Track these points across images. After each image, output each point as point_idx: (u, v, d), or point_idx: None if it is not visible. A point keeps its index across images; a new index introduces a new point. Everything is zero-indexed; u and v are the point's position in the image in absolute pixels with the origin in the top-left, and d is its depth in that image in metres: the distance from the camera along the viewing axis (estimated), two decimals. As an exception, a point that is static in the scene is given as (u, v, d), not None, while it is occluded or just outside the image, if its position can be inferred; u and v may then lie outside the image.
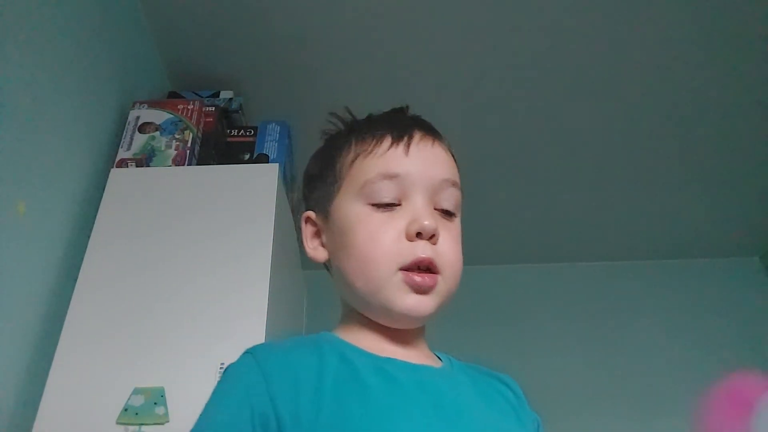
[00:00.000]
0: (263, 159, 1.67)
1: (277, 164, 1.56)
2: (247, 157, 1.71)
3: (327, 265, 0.75)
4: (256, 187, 1.45)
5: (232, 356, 1.15)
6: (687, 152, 2.28)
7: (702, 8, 1.82)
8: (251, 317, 1.23)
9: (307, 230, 0.75)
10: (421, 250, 0.64)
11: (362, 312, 0.68)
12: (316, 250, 0.74)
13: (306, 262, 2.12)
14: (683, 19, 1.85)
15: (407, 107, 0.77)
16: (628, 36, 1.90)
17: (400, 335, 0.68)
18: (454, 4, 1.81)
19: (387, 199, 0.67)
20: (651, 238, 2.67)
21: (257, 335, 1.20)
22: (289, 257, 1.62)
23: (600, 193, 2.45)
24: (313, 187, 0.76)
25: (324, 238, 0.73)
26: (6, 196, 1.17)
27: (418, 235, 0.64)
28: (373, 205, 0.67)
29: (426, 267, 0.64)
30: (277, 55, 1.93)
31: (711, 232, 2.63)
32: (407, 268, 0.64)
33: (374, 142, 0.70)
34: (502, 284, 2.63)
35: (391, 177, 0.67)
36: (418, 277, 0.64)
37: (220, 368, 1.15)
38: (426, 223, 0.64)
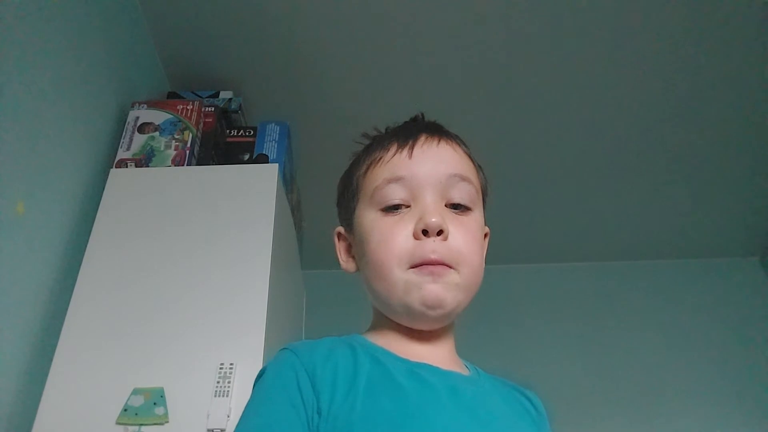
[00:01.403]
0: (263, 159, 1.67)
1: (277, 164, 1.56)
2: (246, 157, 1.71)
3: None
4: (255, 188, 1.45)
5: (231, 356, 1.16)
6: (687, 152, 2.28)
7: (702, 9, 1.82)
8: (251, 317, 1.23)
9: (340, 245, 0.77)
10: (430, 248, 0.65)
11: (389, 316, 0.69)
12: (347, 263, 0.76)
13: (306, 262, 2.13)
14: (683, 20, 1.85)
15: (422, 114, 0.79)
16: (628, 36, 1.90)
17: (429, 339, 0.68)
18: (453, 7, 1.81)
19: (395, 201, 0.68)
20: (651, 238, 2.67)
21: (257, 335, 1.20)
22: (289, 257, 1.62)
23: (599, 193, 2.45)
24: (340, 204, 0.78)
25: (353, 251, 0.75)
26: (5, 196, 1.17)
27: (426, 233, 0.65)
28: (383, 209, 0.69)
29: (438, 262, 0.65)
30: (277, 56, 1.93)
31: (711, 232, 2.64)
32: (418, 265, 0.65)
33: (381, 150, 0.72)
34: (500, 284, 2.63)
35: (396, 180, 0.69)
36: (430, 267, 0.64)
37: (220, 368, 1.15)
38: (432, 220, 0.65)
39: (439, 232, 0.65)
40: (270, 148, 1.72)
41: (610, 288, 2.69)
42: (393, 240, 0.66)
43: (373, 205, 0.70)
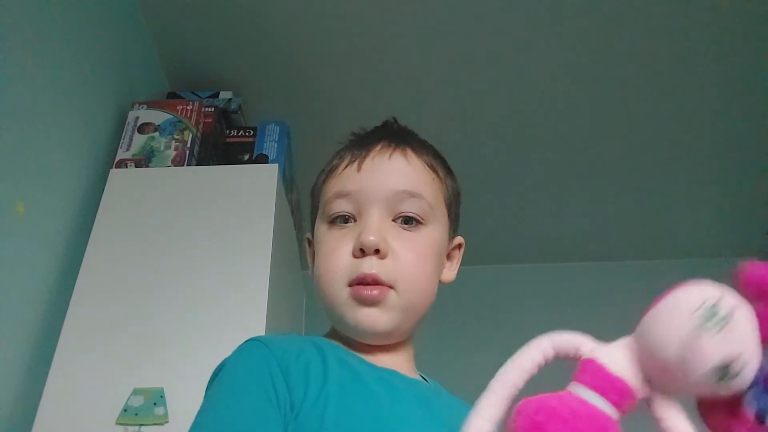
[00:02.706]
0: (263, 159, 1.67)
1: (277, 164, 1.56)
2: (246, 157, 1.71)
3: None
4: (255, 188, 1.45)
5: (231, 356, 1.16)
6: (687, 152, 2.28)
7: (700, 9, 1.82)
8: (251, 317, 1.23)
9: (309, 252, 0.76)
10: (366, 266, 0.63)
11: (336, 328, 0.69)
12: (312, 270, 0.75)
13: (305, 262, 2.12)
14: (683, 20, 1.85)
15: (394, 119, 0.77)
16: (628, 37, 1.90)
17: (386, 349, 0.68)
18: (453, 7, 1.81)
19: (339, 213, 0.67)
20: (651, 238, 2.67)
21: (257, 335, 1.20)
22: (289, 257, 1.62)
23: (600, 193, 2.45)
24: (311, 212, 0.78)
25: None
26: (5, 196, 1.17)
27: (363, 251, 0.64)
28: (330, 223, 0.68)
29: (372, 282, 0.64)
30: (277, 56, 1.93)
31: (711, 232, 2.63)
32: (355, 284, 0.64)
33: (337, 161, 0.72)
34: (501, 284, 2.63)
35: (344, 195, 0.68)
36: (365, 291, 0.63)
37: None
38: (370, 239, 0.63)
39: (376, 251, 0.64)
40: (270, 148, 1.72)
41: (610, 288, 2.69)
42: (334, 256, 0.66)
43: (324, 218, 0.69)
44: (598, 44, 1.92)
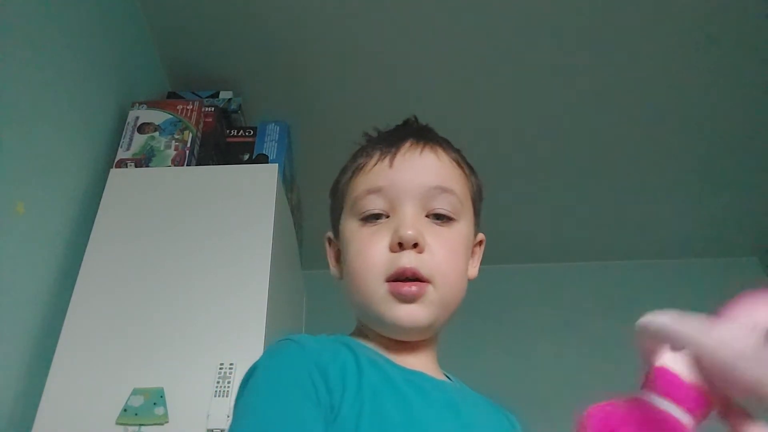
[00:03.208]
0: (263, 159, 1.67)
1: (277, 164, 1.56)
2: (246, 157, 1.71)
3: None
4: (255, 188, 1.45)
5: (231, 356, 1.16)
6: (687, 152, 2.28)
7: (701, 11, 1.82)
8: (251, 317, 1.23)
9: (330, 251, 0.76)
10: (405, 260, 0.63)
11: (369, 326, 0.68)
12: (335, 269, 0.75)
13: (306, 262, 2.12)
14: (681, 21, 1.85)
15: (415, 117, 0.77)
16: (628, 37, 1.90)
17: (414, 348, 0.68)
18: (453, 7, 1.81)
19: (373, 211, 0.67)
20: (651, 238, 2.67)
21: (257, 335, 1.20)
22: (289, 257, 1.62)
23: (599, 193, 2.45)
24: (331, 211, 0.78)
25: (341, 257, 0.74)
26: (5, 196, 1.17)
27: (401, 245, 0.64)
28: (362, 219, 0.68)
29: (412, 276, 0.64)
30: (277, 56, 1.93)
31: (711, 232, 2.63)
32: (393, 279, 0.64)
33: (364, 158, 0.71)
34: (500, 284, 2.63)
35: (376, 191, 0.67)
36: (404, 287, 0.63)
37: (220, 368, 1.15)
38: (407, 233, 0.63)
39: (414, 245, 0.64)
40: (270, 148, 1.72)
41: (610, 288, 2.69)
42: (369, 252, 0.65)
43: (354, 214, 0.69)
44: (599, 44, 1.92)
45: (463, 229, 0.69)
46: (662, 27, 1.88)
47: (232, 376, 1.13)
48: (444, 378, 0.69)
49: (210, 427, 1.08)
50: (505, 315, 2.54)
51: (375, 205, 0.67)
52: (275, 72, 1.97)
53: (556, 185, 2.42)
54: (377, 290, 0.64)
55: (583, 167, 2.34)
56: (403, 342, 0.67)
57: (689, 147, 2.26)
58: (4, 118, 1.18)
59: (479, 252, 0.76)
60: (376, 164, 0.69)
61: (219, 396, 1.11)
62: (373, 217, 0.67)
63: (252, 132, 1.77)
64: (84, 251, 1.32)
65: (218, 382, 1.13)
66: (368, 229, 0.67)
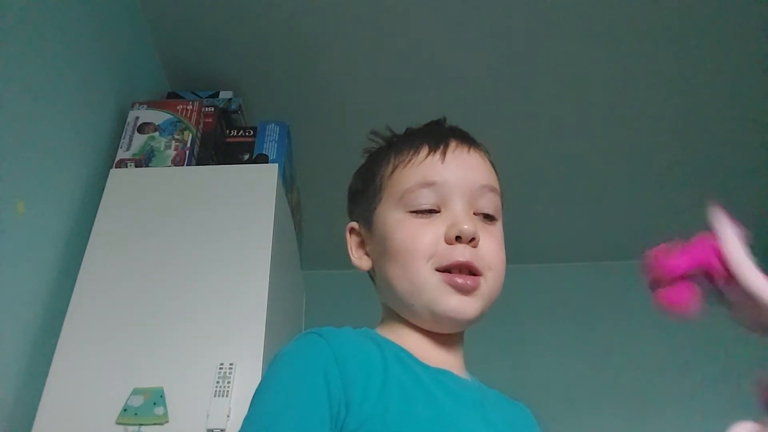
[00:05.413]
0: (263, 159, 1.67)
1: (277, 164, 1.56)
2: (246, 157, 1.71)
3: (371, 275, 0.76)
4: (255, 188, 1.45)
5: (231, 356, 1.16)
6: (686, 152, 2.28)
7: (700, 9, 1.82)
8: (251, 317, 1.23)
9: (352, 241, 0.77)
10: (460, 253, 0.65)
11: (407, 318, 0.69)
12: (360, 259, 0.75)
13: (306, 262, 2.12)
14: (681, 20, 1.85)
15: (444, 119, 0.78)
16: (629, 37, 1.90)
17: (445, 344, 0.68)
18: (453, 7, 1.81)
19: (426, 206, 0.68)
20: (651, 238, 2.67)
21: (257, 335, 1.20)
22: (289, 257, 1.62)
23: (599, 193, 2.45)
24: (356, 201, 0.78)
25: (368, 248, 0.74)
26: (5, 196, 1.17)
27: (458, 239, 0.65)
28: (413, 212, 0.68)
29: (467, 270, 0.65)
30: (277, 56, 1.93)
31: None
32: (444, 270, 0.65)
33: (412, 152, 0.72)
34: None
35: (429, 185, 0.68)
36: (460, 279, 0.64)
37: (220, 368, 1.15)
38: (465, 227, 0.65)
39: (471, 239, 0.65)
40: (270, 148, 1.72)
41: (610, 288, 2.69)
42: (422, 238, 0.66)
43: (401, 206, 0.69)
44: (600, 44, 1.92)
45: (501, 227, 0.72)
46: (661, 27, 1.88)
47: (232, 375, 1.13)
48: (467, 376, 0.70)
49: (210, 427, 1.08)
50: (503, 315, 2.53)
51: (428, 199, 0.68)
52: (275, 72, 1.97)
53: (557, 185, 2.42)
54: (429, 278, 0.65)
55: (582, 166, 2.34)
56: (435, 337, 0.68)
57: (689, 146, 2.26)
58: (4, 118, 1.18)
59: None
60: (426, 158, 0.70)
61: (219, 396, 1.11)
62: (425, 212, 0.68)
63: (252, 132, 1.77)
64: (84, 251, 1.32)
65: (218, 382, 1.13)
66: (419, 220, 0.67)
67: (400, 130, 0.78)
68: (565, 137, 2.22)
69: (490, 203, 0.70)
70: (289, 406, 0.56)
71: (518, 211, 2.48)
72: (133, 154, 1.51)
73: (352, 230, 0.77)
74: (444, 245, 0.65)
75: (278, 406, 0.56)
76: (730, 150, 2.27)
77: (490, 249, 0.67)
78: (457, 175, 0.69)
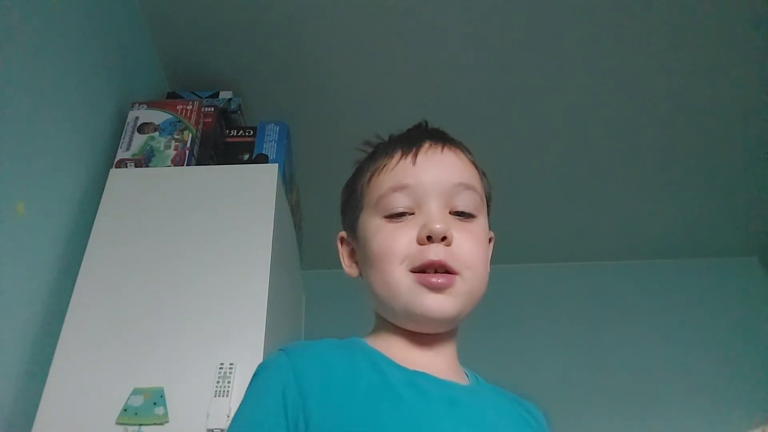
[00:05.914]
0: (262, 159, 1.67)
1: (277, 164, 1.56)
2: (246, 157, 1.71)
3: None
4: (255, 188, 1.45)
5: (231, 356, 1.16)
6: (686, 152, 2.28)
7: (697, 8, 1.82)
8: (251, 317, 1.23)
9: (343, 250, 0.78)
10: (433, 253, 0.65)
11: (392, 321, 0.69)
12: (351, 267, 0.76)
13: (306, 262, 2.12)
14: (679, 18, 1.86)
15: (426, 122, 0.79)
16: (625, 36, 1.90)
17: (430, 345, 0.68)
18: (453, 7, 1.81)
19: (399, 209, 0.68)
20: (650, 238, 2.68)
21: (257, 335, 1.20)
22: (289, 257, 1.62)
23: (598, 193, 2.45)
24: (344, 211, 0.79)
25: (356, 256, 0.75)
26: (5, 196, 1.17)
27: (429, 238, 0.65)
28: (387, 216, 0.69)
29: (440, 269, 0.65)
30: (277, 56, 1.93)
31: (710, 232, 2.64)
32: (420, 270, 0.65)
33: (386, 158, 0.72)
34: (500, 284, 2.63)
35: (401, 188, 0.69)
36: (432, 278, 0.64)
37: (220, 368, 1.15)
38: (437, 226, 0.65)
39: (443, 238, 0.65)
40: (270, 148, 1.72)
41: (610, 288, 2.69)
42: (395, 243, 0.66)
43: (378, 213, 0.70)
44: (596, 44, 1.92)
45: (483, 224, 0.72)
46: (659, 25, 1.88)
47: (232, 375, 1.13)
48: (458, 377, 0.69)
49: (210, 427, 1.08)
50: (503, 315, 2.53)
51: (400, 202, 0.68)
52: (275, 72, 1.98)
53: (556, 185, 2.42)
54: (403, 280, 0.65)
55: (583, 167, 2.34)
56: (419, 338, 0.68)
57: (689, 146, 2.26)
58: (5, 117, 1.18)
59: (490, 249, 0.77)
60: (398, 163, 0.71)
61: (219, 396, 1.11)
62: (398, 215, 0.68)
63: (252, 132, 1.77)
64: (84, 251, 1.32)
65: (218, 382, 1.13)
66: (393, 224, 0.68)
67: (398, 131, 0.78)
68: (564, 137, 2.22)
69: (467, 201, 0.70)
70: (249, 427, 0.60)
71: (518, 211, 2.49)
72: (133, 154, 1.51)
73: (342, 240, 0.78)
74: (417, 246, 0.66)
75: (242, 425, 0.61)
76: (729, 150, 2.27)
77: (465, 247, 0.67)
78: (430, 175, 0.69)
